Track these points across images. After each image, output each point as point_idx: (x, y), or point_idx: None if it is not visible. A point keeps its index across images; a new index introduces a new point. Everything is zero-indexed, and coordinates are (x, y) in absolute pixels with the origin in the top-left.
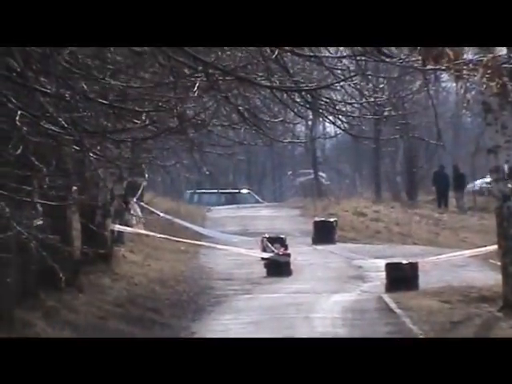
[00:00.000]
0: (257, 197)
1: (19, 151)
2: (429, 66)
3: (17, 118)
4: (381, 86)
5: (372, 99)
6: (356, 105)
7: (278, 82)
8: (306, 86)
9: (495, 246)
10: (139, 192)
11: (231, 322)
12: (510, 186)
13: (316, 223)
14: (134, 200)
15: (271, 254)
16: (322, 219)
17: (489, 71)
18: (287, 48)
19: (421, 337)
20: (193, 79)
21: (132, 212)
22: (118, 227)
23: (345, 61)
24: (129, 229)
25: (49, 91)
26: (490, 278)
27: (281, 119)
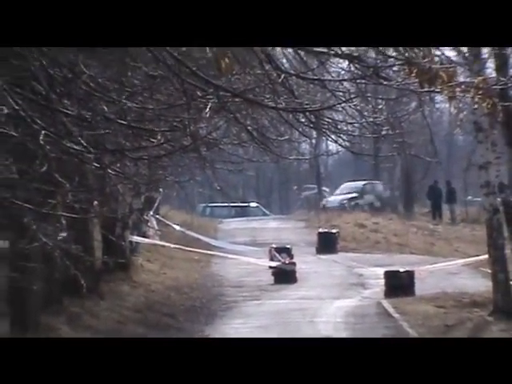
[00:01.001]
0: (265, 210)
1: (44, 168)
2: (424, 88)
3: (41, 137)
4: (379, 106)
5: (371, 119)
6: (356, 124)
7: (283, 103)
8: (310, 107)
9: (486, 256)
10: (155, 206)
11: (241, 326)
12: (499, 199)
13: (320, 234)
14: (151, 213)
15: (278, 263)
16: (326, 230)
17: (480, 92)
18: (292, 72)
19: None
20: (204, 101)
21: (149, 224)
22: (135, 238)
23: (346, 84)
24: (146, 240)
25: (71, 112)
26: (481, 284)
27: (287, 138)
